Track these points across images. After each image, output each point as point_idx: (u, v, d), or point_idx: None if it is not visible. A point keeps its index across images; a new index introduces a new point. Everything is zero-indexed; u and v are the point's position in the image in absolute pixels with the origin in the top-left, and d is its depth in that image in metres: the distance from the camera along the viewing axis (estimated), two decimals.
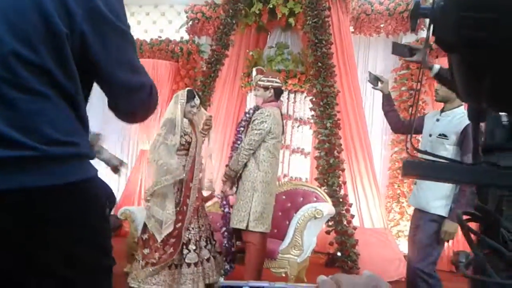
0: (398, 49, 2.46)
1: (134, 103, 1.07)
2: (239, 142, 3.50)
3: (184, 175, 3.33)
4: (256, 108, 3.44)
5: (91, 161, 1.04)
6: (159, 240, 3.24)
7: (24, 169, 0.90)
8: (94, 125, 1.18)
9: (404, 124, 3.00)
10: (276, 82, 3.44)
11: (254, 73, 3.57)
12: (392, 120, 3.03)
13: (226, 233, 3.53)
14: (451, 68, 0.74)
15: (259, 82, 3.42)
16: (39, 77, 0.91)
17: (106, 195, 1.04)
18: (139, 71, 1.05)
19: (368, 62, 6.27)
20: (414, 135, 3.14)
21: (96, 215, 1.00)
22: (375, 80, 2.97)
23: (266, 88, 3.39)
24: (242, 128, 3.52)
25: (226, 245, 3.53)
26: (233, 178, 3.36)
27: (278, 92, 3.45)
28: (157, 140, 3.36)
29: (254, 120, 3.29)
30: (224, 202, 3.52)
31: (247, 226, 3.21)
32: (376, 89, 2.99)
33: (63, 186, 0.93)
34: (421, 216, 2.72)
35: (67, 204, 0.94)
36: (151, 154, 3.40)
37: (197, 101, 3.47)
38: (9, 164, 0.89)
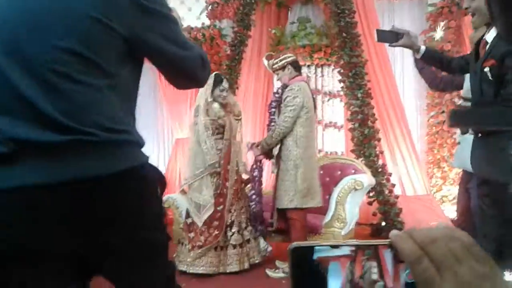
0: (383, 36, 2.33)
1: (191, 73, 1.15)
2: (272, 124, 3.50)
3: (217, 159, 3.37)
4: (284, 86, 3.42)
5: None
6: (200, 225, 3.32)
7: (85, 156, 0.95)
8: None
9: (443, 79, 2.75)
10: (289, 57, 3.45)
11: (265, 61, 3.58)
12: (428, 76, 2.79)
13: (254, 197, 3.51)
14: (491, 10, 0.70)
15: (275, 66, 3.45)
16: (90, 69, 0.97)
17: (158, 178, 1.11)
18: (187, 46, 1.14)
19: (394, 26, 6.06)
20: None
21: (151, 198, 1.08)
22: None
23: (283, 68, 3.40)
24: (273, 109, 3.49)
25: (255, 209, 3.50)
26: (267, 151, 3.38)
27: (296, 66, 3.44)
28: (193, 129, 3.45)
29: (286, 98, 3.27)
30: (255, 166, 3.52)
31: (297, 205, 3.23)
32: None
33: (122, 173, 0.98)
34: (470, 179, 2.50)
35: (126, 189, 1.00)
36: (190, 143, 3.52)
37: (225, 84, 3.50)
38: (72, 150, 0.94)
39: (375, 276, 0.43)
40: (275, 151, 3.40)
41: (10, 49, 0.96)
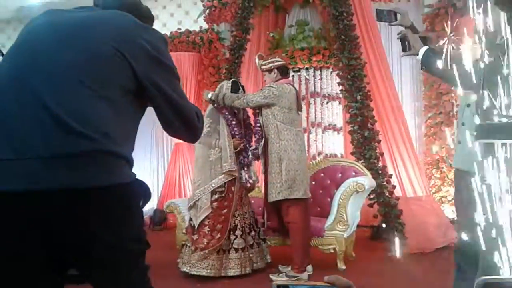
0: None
1: (189, 120, 1.28)
2: (258, 125, 3.54)
3: (235, 167, 3.48)
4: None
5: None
6: (196, 225, 3.41)
7: (85, 166, 1.05)
8: None
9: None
10: (277, 61, 3.53)
11: (257, 60, 3.64)
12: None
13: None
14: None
15: (262, 67, 3.54)
16: (105, 85, 1.13)
17: (143, 193, 1.22)
18: (186, 98, 1.30)
19: (391, 27, 6.07)
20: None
21: (135, 212, 1.18)
22: (388, 16, 2.31)
23: (270, 71, 3.51)
24: (257, 111, 3.57)
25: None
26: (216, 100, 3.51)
27: (283, 70, 3.53)
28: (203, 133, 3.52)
29: (263, 89, 3.43)
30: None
31: (284, 196, 3.28)
32: (394, 24, 2.31)
33: (113, 187, 1.08)
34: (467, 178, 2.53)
35: (114, 204, 1.10)
36: (197, 146, 3.62)
37: (241, 92, 3.60)
38: (80, 158, 1.05)
39: None
40: (260, 150, 3.49)
41: (41, 64, 1.11)
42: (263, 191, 4.59)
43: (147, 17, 1.32)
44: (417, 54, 2.04)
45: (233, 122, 3.55)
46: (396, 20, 2.25)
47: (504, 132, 0.64)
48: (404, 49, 2.13)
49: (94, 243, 1.08)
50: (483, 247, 2.09)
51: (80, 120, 1.06)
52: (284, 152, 3.32)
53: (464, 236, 2.38)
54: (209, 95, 3.52)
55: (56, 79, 1.09)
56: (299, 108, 3.53)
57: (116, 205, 1.10)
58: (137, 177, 1.17)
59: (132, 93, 1.17)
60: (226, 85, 3.58)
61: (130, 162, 1.17)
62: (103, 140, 1.07)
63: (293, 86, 3.58)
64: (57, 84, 1.08)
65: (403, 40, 2.12)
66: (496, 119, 0.78)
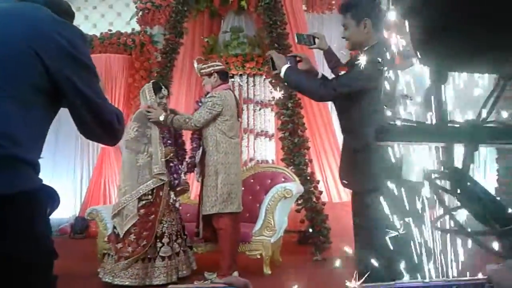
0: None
1: (107, 122, 1.21)
2: (197, 132, 3.51)
3: (164, 170, 3.39)
4: (207, 94, 3.50)
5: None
6: (121, 234, 3.27)
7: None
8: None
9: None
10: (217, 66, 3.54)
11: (195, 64, 3.63)
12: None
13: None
14: (412, 35, 0.75)
15: (201, 71, 3.51)
16: (13, 85, 1.06)
17: (51, 201, 1.14)
18: (104, 98, 1.22)
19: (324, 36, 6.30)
20: None
21: (40, 221, 1.09)
22: (308, 39, 2.48)
23: (210, 75, 3.48)
24: None
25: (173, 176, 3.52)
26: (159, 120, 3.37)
27: (222, 74, 3.52)
28: (129, 135, 3.39)
29: (206, 102, 3.36)
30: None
31: (218, 210, 3.27)
32: (313, 47, 2.53)
33: (17, 194, 1.00)
34: None
35: (16, 211, 1.02)
36: (124, 151, 3.48)
37: (164, 91, 3.53)
38: None
39: None
40: (197, 159, 3.44)
41: None
42: (192, 196, 4.55)
43: (66, 13, 1.24)
44: (280, 72, 2.29)
45: (168, 142, 3.48)
46: (315, 43, 2.41)
47: (395, 135, 0.67)
48: (273, 68, 2.34)
49: None
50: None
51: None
52: (221, 166, 3.30)
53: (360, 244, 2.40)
54: (161, 118, 3.37)
55: None
56: (239, 115, 3.55)
57: (19, 214, 1.02)
58: (44, 183, 1.09)
59: (45, 92, 1.10)
60: (147, 88, 3.51)
61: (36, 167, 1.09)
62: (7, 144, 1.00)
63: (232, 91, 3.57)
64: None
65: (272, 60, 2.31)
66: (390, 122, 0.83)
